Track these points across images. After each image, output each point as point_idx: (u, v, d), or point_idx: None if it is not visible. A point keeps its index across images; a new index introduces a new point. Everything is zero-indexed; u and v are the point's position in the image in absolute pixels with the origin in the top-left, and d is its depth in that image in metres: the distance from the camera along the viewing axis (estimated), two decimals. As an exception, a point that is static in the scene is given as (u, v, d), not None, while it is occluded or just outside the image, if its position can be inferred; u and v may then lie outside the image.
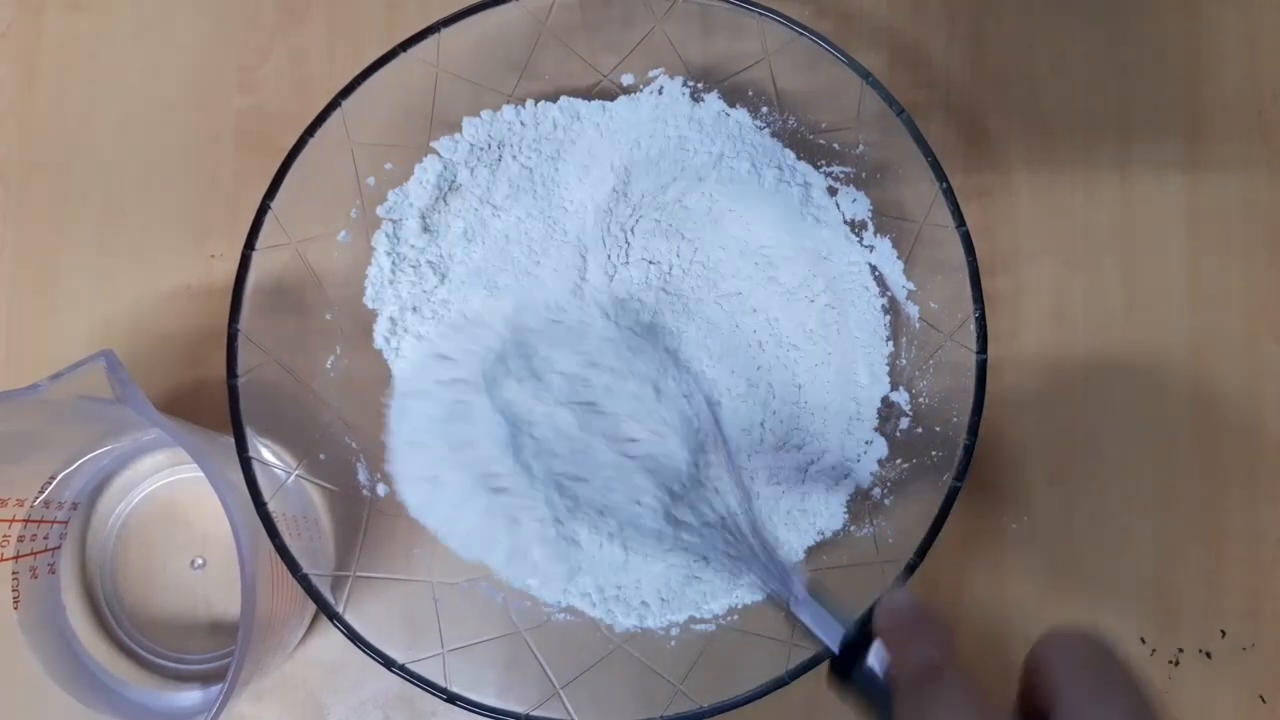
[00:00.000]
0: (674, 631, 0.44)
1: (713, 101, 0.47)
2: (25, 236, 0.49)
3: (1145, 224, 0.50)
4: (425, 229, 0.46)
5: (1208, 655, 0.47)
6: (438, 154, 0.46)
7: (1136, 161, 0.50)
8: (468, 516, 0.44)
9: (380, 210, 0.45)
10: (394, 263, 0.46)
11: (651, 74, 0.46)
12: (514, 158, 0.46)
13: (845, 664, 0.32)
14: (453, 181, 0.46)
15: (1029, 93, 0.50)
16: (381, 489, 0.45)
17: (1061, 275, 0.49)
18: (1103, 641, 0.27)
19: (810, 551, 0.45)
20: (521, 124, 0.46)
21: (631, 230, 0.47)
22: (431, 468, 0.44)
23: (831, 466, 0.46)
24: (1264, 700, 0.47)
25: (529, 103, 0.46)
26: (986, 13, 0.50)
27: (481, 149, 0.46)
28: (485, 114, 0.46)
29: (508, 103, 0.46)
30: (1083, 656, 0.27)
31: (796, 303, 0.46)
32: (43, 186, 0.49)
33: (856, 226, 0.46)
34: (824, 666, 0.38)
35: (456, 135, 0.46)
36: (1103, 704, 0.26)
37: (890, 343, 0.46)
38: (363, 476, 0.45)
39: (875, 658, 0.31)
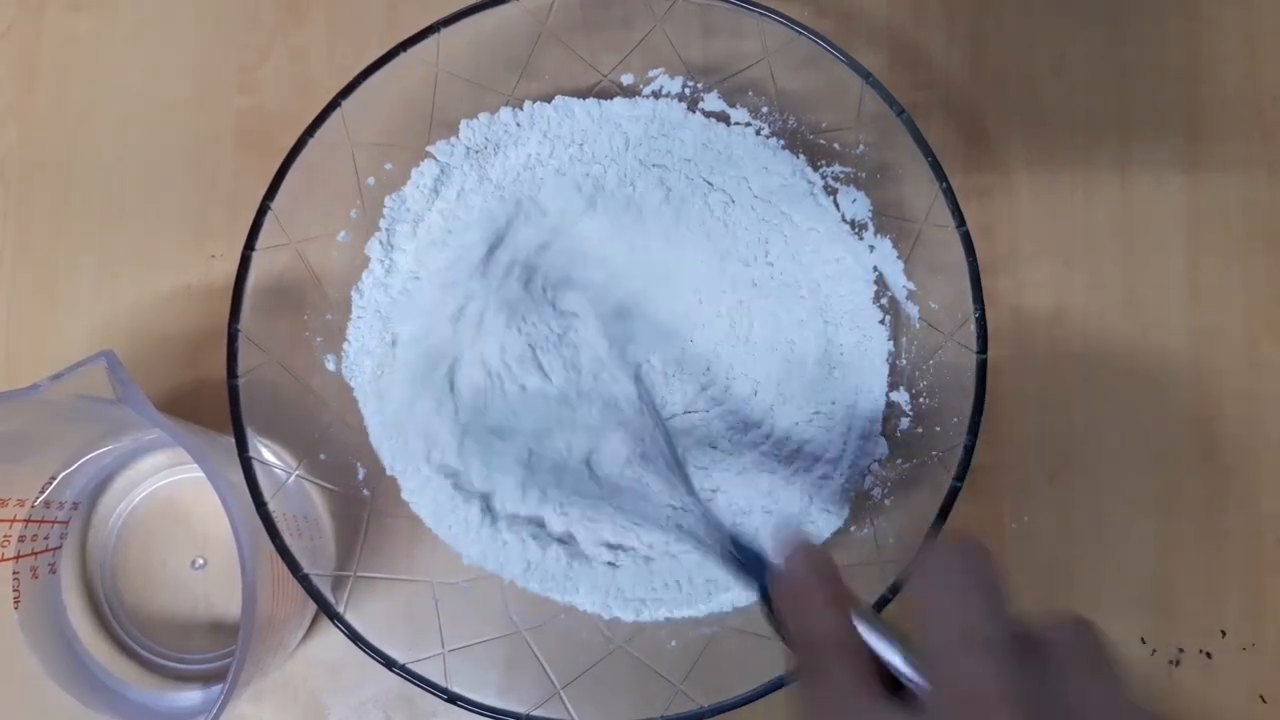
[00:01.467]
0: (674, 630, 0.44)
1: (712, 101, 0.47)
2: (25, 236, 0.49)
3: (1145, 224, 0.50)
4: (417, 234, 0.46)
5: (1208, 655, 0.47)
6: (434, 158, 0.46)
7: (1136, 161, 0.50)
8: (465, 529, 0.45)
9: (380, 221, 0.45)
10: (387, 270, 0.46)
11: (651, 74, 0.46)
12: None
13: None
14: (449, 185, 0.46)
15: (1029, 93, 0.50)
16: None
17: (1061, 275, 0.49)
18: (967, 546, 0.27)
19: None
20: (518, 125, 0.46)
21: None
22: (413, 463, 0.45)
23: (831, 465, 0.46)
24: (1264, 700, 0.47)
25: (525, 104, 0.46)
26: (986, 13, 0.50)
27: (478, 152, 0.46)
28: (483, 116, 0.46)
29: (506, 104, 0.46)
30: (950, 564, 0.27)
31: (792, 301, 0.47)
32: (43, 186, 0.49)
33: (857, 226, 0.46)
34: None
35: (453, 139, 0.46)
36: (960, 606, 0.26)
37: (890, 342, 0.46)
38: (363, 476, 0.45)
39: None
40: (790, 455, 0.45)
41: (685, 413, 0.46)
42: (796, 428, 0.46)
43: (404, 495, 0.45)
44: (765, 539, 0.35)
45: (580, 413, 0.45)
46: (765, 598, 0.33)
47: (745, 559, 0.35)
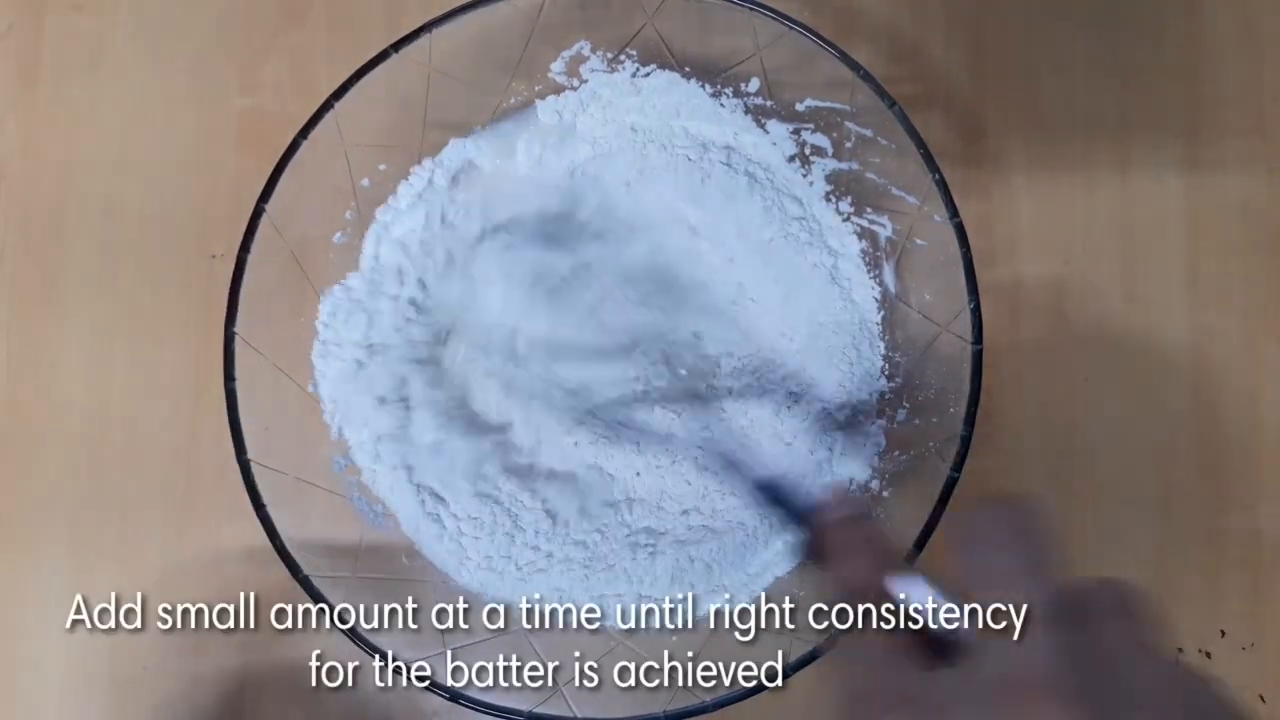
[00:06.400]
0: (673, 627, 0.44)
1: (704, 100, 0.47)
2: (25, 236, 0.49)
3: (1145, 224, 0.50)
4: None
5: (1208, 655, 0.47)
6: (418, 175, 0.46)
7: (1136, 161, 0.50)
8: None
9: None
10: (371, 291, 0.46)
11: (644, 70, 0.47)
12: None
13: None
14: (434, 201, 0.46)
15: (1029, 93, 0.50)
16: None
17: (1061, 275, 0.49)
18: (1014, 510, 0.27)
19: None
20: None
21: None
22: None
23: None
24: (1264, 700, 0.47)
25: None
26: (986, 13, 0.50)
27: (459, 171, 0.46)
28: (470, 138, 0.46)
29: (492, 119, 0.46)
30: (992, 526, 0.27)
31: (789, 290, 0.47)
32: (43, 186, 0.49)
33: (852, 219, 0.46)
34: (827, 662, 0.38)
35: (437, 156, 0.46)
36: (1000, 570, 0.26)
37: (886, 334, 0.46)
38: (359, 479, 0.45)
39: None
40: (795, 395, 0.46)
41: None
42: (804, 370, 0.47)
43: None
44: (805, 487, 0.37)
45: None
46: (804, 543, 0.34)
47: (781, 504, 0.36)
